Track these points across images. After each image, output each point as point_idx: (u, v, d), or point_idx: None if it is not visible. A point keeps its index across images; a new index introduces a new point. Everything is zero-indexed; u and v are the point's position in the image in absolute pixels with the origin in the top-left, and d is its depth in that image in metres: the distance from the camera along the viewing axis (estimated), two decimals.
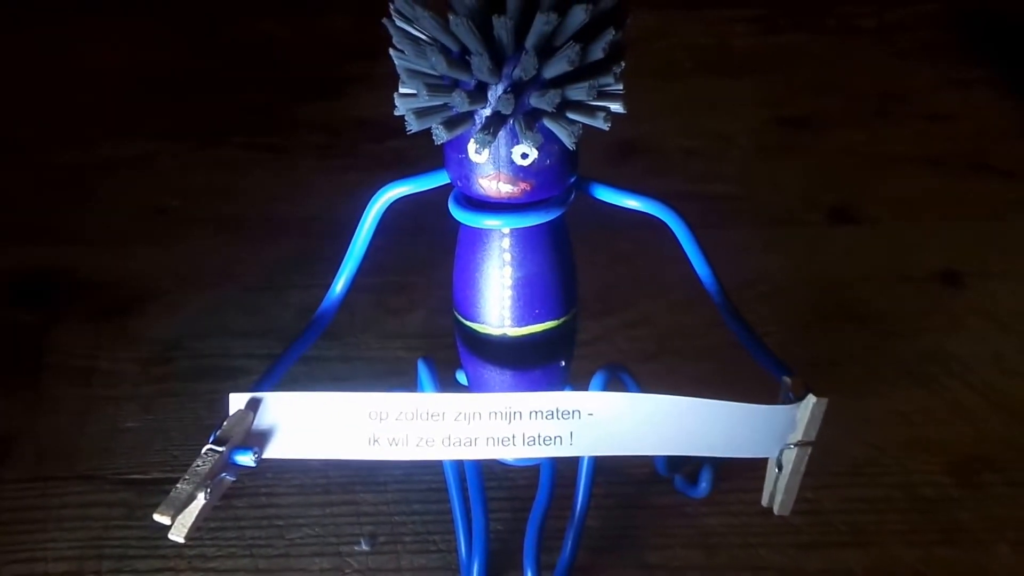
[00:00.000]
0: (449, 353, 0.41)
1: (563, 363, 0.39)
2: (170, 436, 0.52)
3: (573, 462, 0.42)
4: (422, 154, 0.36)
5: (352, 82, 0.83)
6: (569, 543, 0.43)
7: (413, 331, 0.59)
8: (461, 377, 0.42)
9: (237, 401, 0.34)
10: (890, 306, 0.61)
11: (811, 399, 0.34)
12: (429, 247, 0.48)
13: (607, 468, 0.46)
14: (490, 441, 0.34)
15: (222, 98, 0.82)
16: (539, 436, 0.34)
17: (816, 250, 0.67)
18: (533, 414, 0.34)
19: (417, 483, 0.49)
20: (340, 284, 0.38)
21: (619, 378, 0.42)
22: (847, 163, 0.75)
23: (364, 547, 0.47)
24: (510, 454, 0.34)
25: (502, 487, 0.48)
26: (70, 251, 0.66)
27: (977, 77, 0.85)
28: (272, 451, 0.34)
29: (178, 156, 0.76)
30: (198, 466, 0.32)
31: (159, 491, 0.30)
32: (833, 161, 0.75)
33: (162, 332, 0.59)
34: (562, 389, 0.40)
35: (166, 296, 0.62)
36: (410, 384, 0.43)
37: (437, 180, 0.36)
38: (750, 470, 0.38)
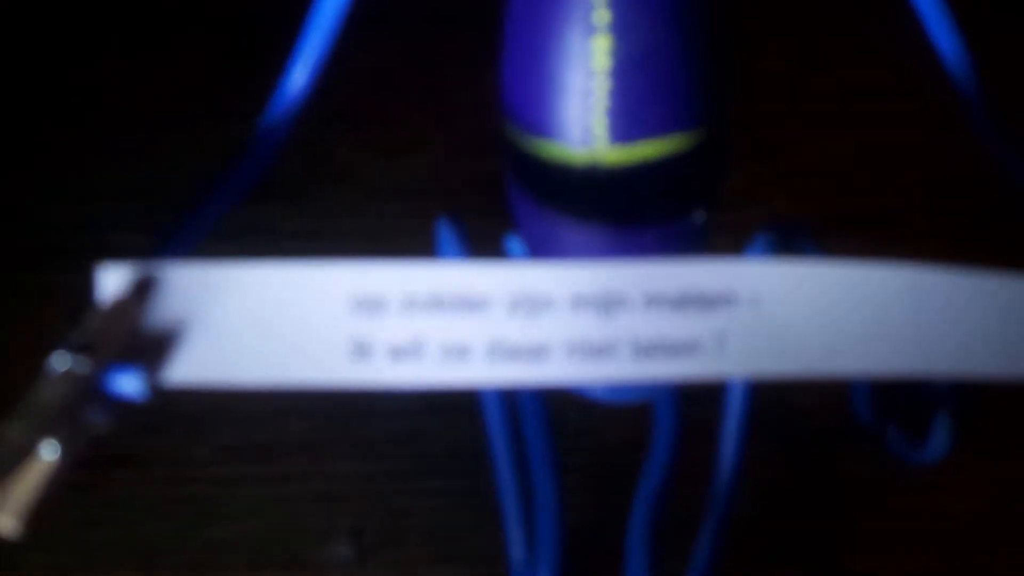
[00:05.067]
0: (481, 219, 0.40)
1: (701, 215, 0.38)
2: (4, 356, 0.52)
3: (710, 396, 0.39)
4: None
5: None
6: (707, 542, 0.42)
7: (418, 183, 0.60)
8: (514, 246, 0.41)
9: (114, 279, 0.32)
10: None
11: None
12: (444, 54, 0.49)
13: (767, 412, 0.44)
14: (570, 351, 0.31)
15: None
16: (660, 341, 0.31)
17: None
18: (650, 301, 0.31)
19: (434, 441, 0.50)
20: (301, 70, 0.36)
21: (796, 247, 0.40)
22: None
23: (343, 555, 0.48)
24: (605, 375, 0.31)
25: (580, 447, 0.48)
26: None
27: None
28: (180, 371, 0.31)
29: None
30: (41, 394, 0.30)
31: None
32: None
33: None
34: None
35: None
36: None
37: None
38: (1012, 417, 0.38)
